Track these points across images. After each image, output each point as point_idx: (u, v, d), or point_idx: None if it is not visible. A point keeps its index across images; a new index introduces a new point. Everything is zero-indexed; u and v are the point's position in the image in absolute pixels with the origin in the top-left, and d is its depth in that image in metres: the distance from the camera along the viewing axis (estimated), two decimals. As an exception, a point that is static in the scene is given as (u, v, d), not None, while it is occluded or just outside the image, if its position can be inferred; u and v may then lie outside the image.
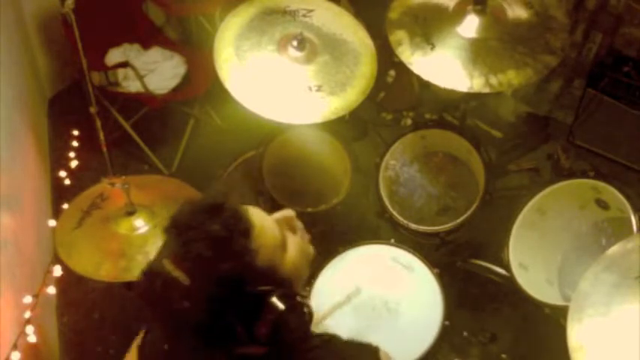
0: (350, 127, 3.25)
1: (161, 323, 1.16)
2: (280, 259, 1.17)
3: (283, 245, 1.19)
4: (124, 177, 2.23)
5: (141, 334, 1.32)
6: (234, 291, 1.09)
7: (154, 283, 1.12)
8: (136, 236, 2.17)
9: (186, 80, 3.43)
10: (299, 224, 1.28)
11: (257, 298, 1.11)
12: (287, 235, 1.22)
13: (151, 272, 1.13)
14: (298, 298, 1.15)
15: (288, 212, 1.27)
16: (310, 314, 1.18)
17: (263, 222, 1.17)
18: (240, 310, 1.10)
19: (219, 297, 1.09)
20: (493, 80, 2.34)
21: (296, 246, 1.22)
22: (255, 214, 1.17)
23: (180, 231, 1.12)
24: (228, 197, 1.17)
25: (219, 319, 1.10)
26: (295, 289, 1.20)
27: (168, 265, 1.10)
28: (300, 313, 1.15)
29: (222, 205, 1.14)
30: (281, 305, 1.10)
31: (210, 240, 1.09)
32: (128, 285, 2.15)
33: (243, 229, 1.12)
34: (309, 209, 2.68)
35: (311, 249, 1.29)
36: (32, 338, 2.10)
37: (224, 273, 1.09)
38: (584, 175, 2.49)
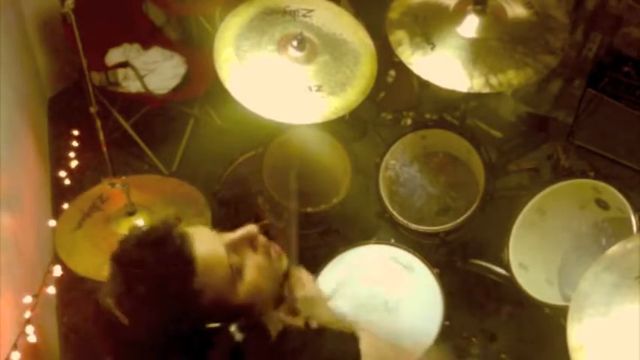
0: (350, 127, 3.25)
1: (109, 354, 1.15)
2: (233, 290, 1.14)
3: (237, 273, 1.15)
4: (123, 177, 2.23)
5: None
6: (177, 332, 1.07)
7: (99, 318, 1.11)
8: (137, 236, 2.17)
9: (186, 80, 3.43)
10: (262, 239, 1.23)
11: (204, 336, 1.09)
12: (246, 257, 1.18)
13: (98, 307, 1.12)
14: (259, 321, 1.13)
15: (248, 229, 1.22)
16: (272, 335, 1.16)
17: (211, 256, 1.13)
18: (186, 348, 1.08)
19: (159, 339, 1.07)
20: (493, 80, 2.34)
21: (257, 267, 1.18)
22: (203, 248, 1.12)
23: (123, 267, 1.11)
24: (173, 228, 1.13)
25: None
26: (256, 311, 1.17)
27: (110, 304, 1.09)
28: (259, 338, 1.13)
29: (165, 241, 1.11)
30: (236, 336, 1.08)
31: (150, 281, 1.07)
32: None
33: (184, 270, 1.09)
34: (309, 209, 2.68)
35: (281, 263, 1.25)
36: (32, 338, 2.10)
37: (165, 315, 1.07)
38: (584, 175, 2.48)
